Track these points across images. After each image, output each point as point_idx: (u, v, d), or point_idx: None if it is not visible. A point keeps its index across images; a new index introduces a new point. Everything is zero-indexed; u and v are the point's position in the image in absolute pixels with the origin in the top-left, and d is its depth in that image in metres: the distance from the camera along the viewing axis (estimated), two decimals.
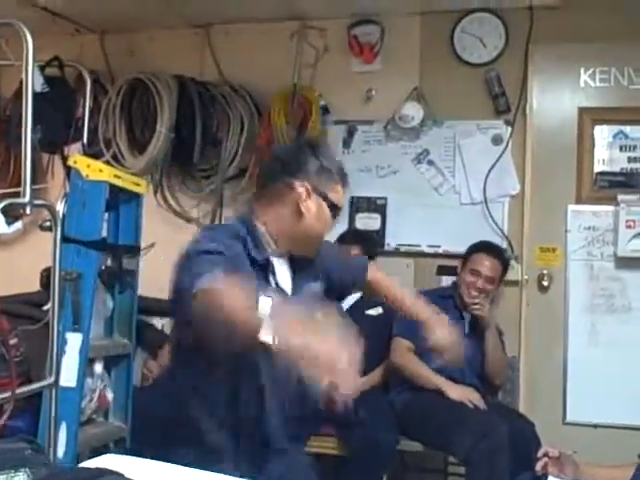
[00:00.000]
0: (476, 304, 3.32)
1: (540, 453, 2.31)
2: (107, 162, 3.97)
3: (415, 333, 3.05)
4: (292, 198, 1.90)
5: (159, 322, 4.08)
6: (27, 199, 2.05)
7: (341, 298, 2.40)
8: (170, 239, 4.11)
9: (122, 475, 1.18)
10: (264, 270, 1.90)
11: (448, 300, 3.36)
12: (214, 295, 1.60)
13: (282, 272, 1.97)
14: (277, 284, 1.93)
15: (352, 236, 3.62)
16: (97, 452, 2.97)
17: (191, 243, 1.91)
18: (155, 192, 4.07)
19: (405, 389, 3.30)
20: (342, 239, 3.62)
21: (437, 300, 3.21)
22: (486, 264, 3.37)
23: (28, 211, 2.05)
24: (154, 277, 3.91)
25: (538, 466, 2.29)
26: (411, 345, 3.26)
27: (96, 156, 3.89)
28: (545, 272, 3.66)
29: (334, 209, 1.95)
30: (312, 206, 1.90)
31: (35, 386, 2.16)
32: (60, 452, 2.59)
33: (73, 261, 2.71)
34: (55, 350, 2.22)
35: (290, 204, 1.91)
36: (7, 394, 1.90)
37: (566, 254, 3.63)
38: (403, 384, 3.31)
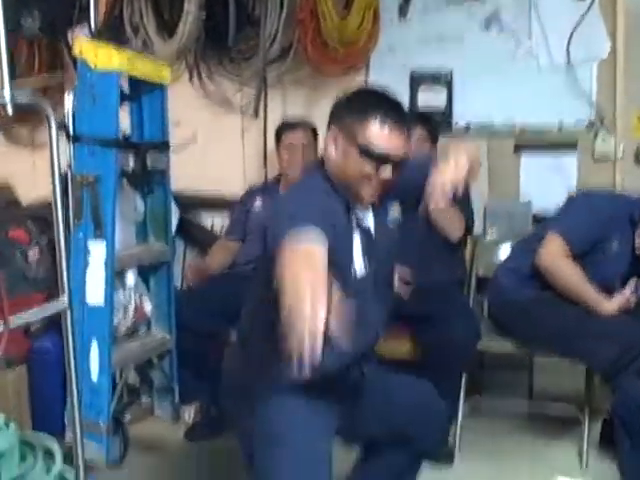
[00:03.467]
0: None
1: None
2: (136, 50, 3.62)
3: (578, 239, 2.69)
4: (332, 136, 1.78)
5: (207, 219, 3.81)
6: (6, 98, 1.70)
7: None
8: (212, 129, 3.80)
9: None
10: (348, 212, 1.79)
11: (622, 221, 2.72)
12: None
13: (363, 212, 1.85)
14: (360, 225, 1.82)
15: (412, 115, 3.17)
16: (141, 368, 2.77)
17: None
18: (190, 78, 3.68)
19: (525, 285, 2.81)
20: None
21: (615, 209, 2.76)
22: None
23: (10, 111, 1.70)
24: (198, 171, 3.65)
25: None
26: (570, 249, 2.69)
27: (120, 42, 3.54)
28: None
29: (367, 153, 1.72)
30: (338, 150, 1.76)
31: (36, 311, 1.86)
32: (94, 374, 2.36)
33: (88, 163, 2.40)
34: (64, 266, 1.90)
35: (331, 142, 1.79)
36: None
37: None
38: (524, 277, 2.82)
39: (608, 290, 2.67)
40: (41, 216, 3.20)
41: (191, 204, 3.71)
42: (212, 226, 3.78)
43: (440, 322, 2.70)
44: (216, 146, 3.71)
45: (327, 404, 1.80)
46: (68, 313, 1.94)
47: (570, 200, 2.86)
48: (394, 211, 1.96)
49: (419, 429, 1.94)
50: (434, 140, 3.13)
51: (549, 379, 3.15)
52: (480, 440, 2.86)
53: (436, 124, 3.21)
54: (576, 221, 2.74)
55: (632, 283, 2.65)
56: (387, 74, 3.43)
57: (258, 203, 3.24)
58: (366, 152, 1.71)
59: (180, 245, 3.68)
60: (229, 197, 3.55)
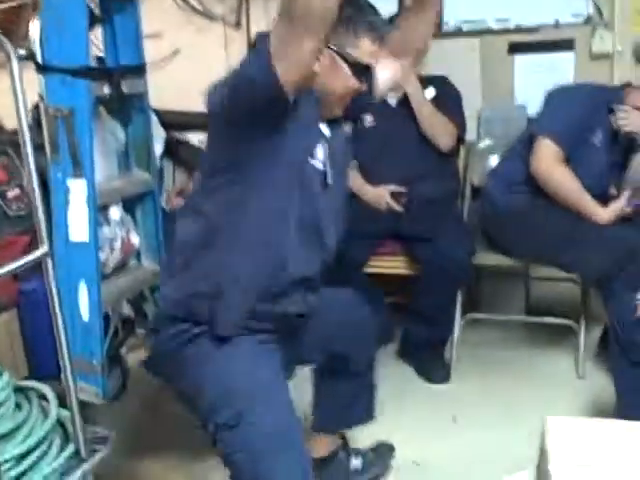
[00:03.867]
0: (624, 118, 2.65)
1: None
2: None
3: (568, 134, 2.63)
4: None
5: (194, 137, 3.69)
6: None
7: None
8: (194, 43, 3.64)
9: None
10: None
11: (602, 113, 2.69)
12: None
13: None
14: (324, 136, 1.80)
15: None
16: (134, 301, 2.74)
17: None
18: None
19: (515, 191, 2.78)
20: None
21: (589, 101, 2.71)
22: None
23: None
24: (183, 88, 3.51)
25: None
26: (562, 152, 2.64)
27: None
28: None
29: (356, 67, 1.69)
30: (325, 62, 1.66)
31: (17, 264, 1.81)
32: (84, 314, 2.32)
33: (61, 94, 2.27)
34: (40, 211, 1.84)
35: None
36: None
37: None
38: (513, 185, 2.80)
39: (598, 189, 2.66)
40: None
41: (176, 123, 3.59)
42: (200, 143, 3.67)
43: (433, 242, 2.66)
44: (199, 59, 3.55)
45: (268, 349, 1.77)
46: (49, 261, 1.89)
47: (549, 97, 2.77)
48: (346, 126, 1.93)
49: (347, 346, 1.96)
50: None
51: (546, 291, 3.15)
52: (476, 354, 2.89)
53: None
54: (560, 117, 2.67)
55: (627, 193, 2.61)
56: None
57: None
58: (358, 67, 1.69)
59: (169, 166, 3.59)
60: None
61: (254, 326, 1.73)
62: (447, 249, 2.65)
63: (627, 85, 2.76)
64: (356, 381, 2.04)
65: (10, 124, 3.75)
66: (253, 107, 1.57)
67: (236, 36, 3.48)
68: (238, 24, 3.45)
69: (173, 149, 3.62)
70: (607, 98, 2.71)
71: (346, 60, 1.68)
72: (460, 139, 3.04)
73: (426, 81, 3.04)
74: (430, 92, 3.03)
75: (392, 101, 3.03)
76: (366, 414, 2.12)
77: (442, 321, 2.78)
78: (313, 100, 1.71)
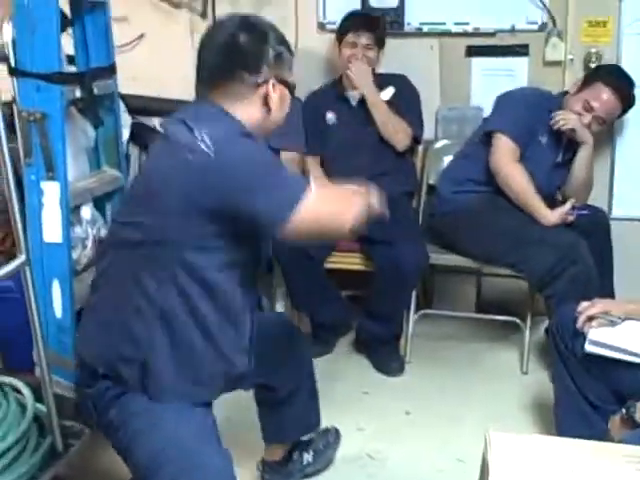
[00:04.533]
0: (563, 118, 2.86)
1: (580, 308, 2.06)
2: None
3: (520, 131, 2.83)
4: (258, 95, 1.71)
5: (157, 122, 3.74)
6: None
7: None
8: (160, 30, 3.66)
9: None
10: None
11: (545, 116, 2.89)
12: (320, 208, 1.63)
13: None
14: None
15: (357, 21, 3.12)
16: None
17: (220, 149, 1.58)
18: None
19: (462, 192, 2.96)
20: (345, 25, 3.13)
21: (535, 102, 2.91)
22: (604, 100, 2.83)
23: None
24: (147, 72, 3.55)
25: (579, 323, 2.05)
26: (517, 148, 2.84)
27: None
28: (593, 51, 3.13)
29: (292, 89, 1.78)
30: (277, 97, 1.72)
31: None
32: (57, 311, 2.41)
33: (33, 99, 2.32)
34: (19, 222, 1.92)
35: (257, 101, 1.71)
36: None
37: (619, 28, 3.08)
38: (462, 184, 2.97)
39: (544, 189, 2.87)
40: None
41: (142, 108, 3.62)
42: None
43: (388, 245, 2.77)
44: (164, 47, 3.59)
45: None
46: (27, 269, 1.98)
47: (500, 99, 2.97)
48: None
49: (282, 376, 2.01)
50: (381, 45, 3.13)
51: (497, 287, 3.32)
52: (429, 349, 3.04)
53: (383, 27, 3.18)
54: (512, 116, 2.90)
55: (572, 200, 2.80)
56: None
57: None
58: (292, 91, 1.77)
59: (135, 151, 3.64)
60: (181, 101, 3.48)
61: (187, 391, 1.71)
62: (401, 254, 2.75)
63: (565, 93, 2.98)
64: (297, 398, 2.09)
65: None
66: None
67: (202, 25, 3.51)
68: (204, 14, 3.48)
69: (139, 134, 3.66)
70: (550, 103, 2.93)
71: (288, 87, 1.75)
72: (416, 139, 3.15)
73: (385, 79, 3.15)
74: (389, 91, 3.13)
75: (353, 101, 3.14)
76: (313, 422, 2.20)
77: (393, 319, 2.91)
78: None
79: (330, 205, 1.67)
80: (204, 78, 1.73)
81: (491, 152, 2.86)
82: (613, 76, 2.88)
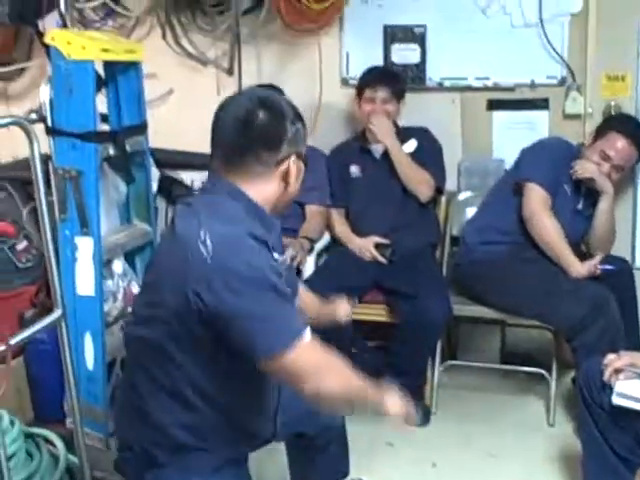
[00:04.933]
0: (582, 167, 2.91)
1: (606, 360, 2.08)
2: (105, 3, 3.53)
3: (550, 181, 2.89)
4: (277, 172, 1.68)
5: (187, 176, 3.83)
6: None
7: None
8: (187, 85, 3.77)
9: None
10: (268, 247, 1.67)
11: (570, 165, 2.96)
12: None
13: None
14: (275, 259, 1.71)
15: (373, 76, 3.20)
16: None
17: (226, 254, 1.55)
18: (163, 35, 3.61)
19: (488, 242, 2.99)
20: (363, 81, 3.22)
21: (560, 153, 2.98)
22: (619, 148, 2.90)
23: None
24: (175, 127, 3.64)
25: (606, 376, 2.06)
26: (549, 197, 2.89)
27: None
28: (612, 104, 3.19)
29: (306, 161, 1.76)
30: (295, 172, 1.71)
31: (35, 329, 1.95)
32: (89, 363, 2.46)
33: (69, 157, 2.41)
34: (56, 278, 1.98)
35: (275, 179, 1.69)
36: (1, 347, 1.69)
37: (637, 82, 3.14)
38: (488, 234, 3.01)
39: (569, 238, 2.89)
40: (21, 178, 3.23)
41: (170, 162, 3.71)
42: (192, 183, 3.80)
43: (412, 298, 2.79)
44: (191, 101, 3.69)
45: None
46: (63, 322, 2.04)
47: (528, 149, 3.04)
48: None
49: (314, 426, 2.02)
50: (399, 97, 3.19)
51: (521, 337, 3.32)
52: (454, 400, 3.04)
53: (402, 80, 3.26)
54: (544, 165, 2.94)
55: (600, 255, 2.83)
56: (361, 29, 3.42)
57: (355, 169, 3.24)
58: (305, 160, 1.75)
59: (162, 204, 3.72)
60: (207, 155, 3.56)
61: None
62: (426, 308, 2.75)
63: (581, 145, 3.06)
64: (330, 446, 2.10)
65: (3, 154, 3.90)
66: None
67: (229, 81, 3.61)
68: (230, 71, 3.59)
69: (166, 187, 3.74)
70: (571, 153, 3.00)
71: (305, 162, 1.74)
72: (439, 189, 3.19)
73: (408, 132, 3.21)
74: (412, 144, 3.19)
75: (376, 154, 3.20)
76: (343, 471, 2.20)
77: (417, 371, 2.90)
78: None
79: (321, 360, 1.60)
80: (220, 156, 1.69)
81: (524, 202, 2.91)
82: (625, 124, 2.94)
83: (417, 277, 2.87)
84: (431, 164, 3.17)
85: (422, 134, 3.23)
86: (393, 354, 2.92)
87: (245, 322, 1.52)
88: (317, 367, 1.58)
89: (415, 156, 3.16)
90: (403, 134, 3.19)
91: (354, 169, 3.22)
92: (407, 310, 2.82)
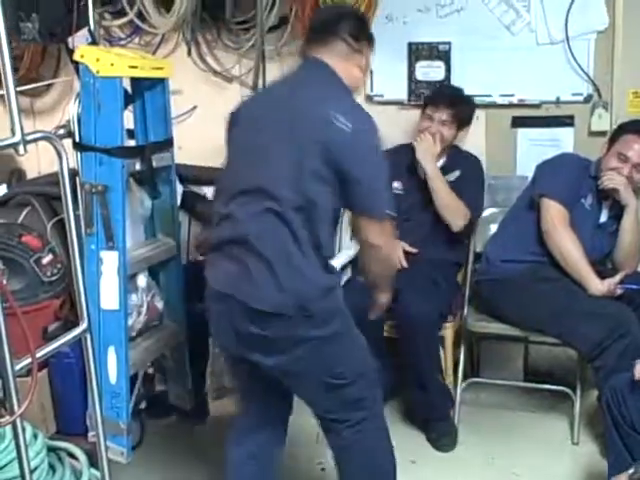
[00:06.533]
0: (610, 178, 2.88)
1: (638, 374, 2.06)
2: (131, 21, 3.58)
3: (567, 196, 2.89)
4: (357, 59, 2.14)
5: (209, 191, 3.85)
6: (18, 138, 1.72)
7: None
8: (212, 101, 3.81)
9: None
10: None
11: (587, 179, 2.96)
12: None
13: None
14: None
15: (440, 95, 3.17)
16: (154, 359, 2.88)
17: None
18: (189, 52, 3.66)
19: (510, 261, 2.96)
20: (429, 97, 3.20)
21: (575, 167, 2.99)
22: (636, 148, 2.87)
23: (22, 151, 1.72)
24: (197, 142, 3.67)
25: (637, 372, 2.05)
26: (567, 212, 2.87)
27: (119, 13, 3.51)
28: None
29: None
30: (366, 66, 2.20)
31: (61, 342, 1.96)
32: (112, 378, 2.47)
33: (96, 172, 2.44)
34: (82, 291, 2.00)
35: (355, 62, 2.14)
36: (27, 360, 1.70)
37: None
38: (510, 251, 2.98)
39: (590, 253, 2.86)
40: (46, 193, 3.27)
41: (193, 177, 3.74)
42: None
43: (402, 297, 2.75)
44: (215, 118, 3.70)
45: None
46: (88, 336, 2.05)
47: (544, 165, 3.02)
48: None
49: None
50: (461, 123, 3.14)
51: (544, 354, 3.29)
52: (478, 418, 3.01)
53: (470, 107, 3.20)
54: (560, 180, 2.93)
55: (622, 273, 2.79)
56: (385, 46, 3.40)
57: (397, 185, 3.13)
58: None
59: (185, 218, 3.74)
60: None
61: None
62: (406, 305, 2.74)
63: (598, 161, 3.01)
64: None
65: (28, 168, 3.95)
66: None
67: None
68: (255, 87, 3.61)
69: (189, 201, 3.77)
70: (588, 168, 2.99)
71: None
72: (474, 219, 3.12)
73: (457, 157, 3.17)
74: (454, 175, 3.13)
75: (422, 173, 3.11)
76: None
77: (427, 382, 2.84)
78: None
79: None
80: (312, 37, 2.17)
81: (541, 217, 2.89)
82: (637, 124, 2.92)
83: (413, 280, 2.83)
84: (470, 194, 3.09)
85: (470, 162, 3.19)
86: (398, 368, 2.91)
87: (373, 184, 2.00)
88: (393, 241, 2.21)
89: (455, 183, 3.09)
90: (453, 157, 3.15)
91: (397, 185, 3.10)
92: (393, 309, 2.69)
